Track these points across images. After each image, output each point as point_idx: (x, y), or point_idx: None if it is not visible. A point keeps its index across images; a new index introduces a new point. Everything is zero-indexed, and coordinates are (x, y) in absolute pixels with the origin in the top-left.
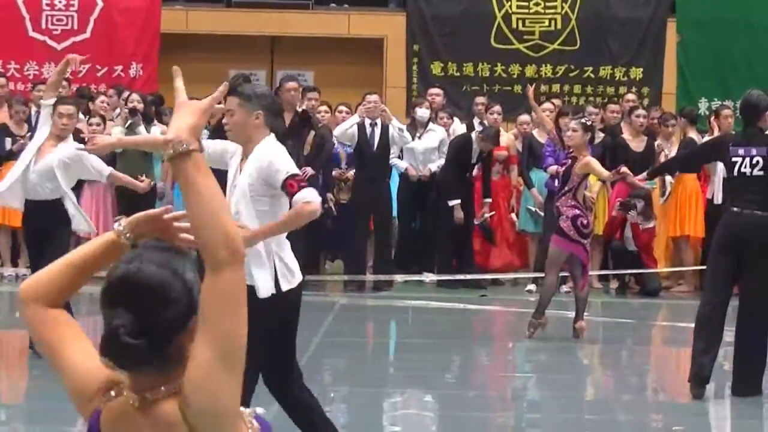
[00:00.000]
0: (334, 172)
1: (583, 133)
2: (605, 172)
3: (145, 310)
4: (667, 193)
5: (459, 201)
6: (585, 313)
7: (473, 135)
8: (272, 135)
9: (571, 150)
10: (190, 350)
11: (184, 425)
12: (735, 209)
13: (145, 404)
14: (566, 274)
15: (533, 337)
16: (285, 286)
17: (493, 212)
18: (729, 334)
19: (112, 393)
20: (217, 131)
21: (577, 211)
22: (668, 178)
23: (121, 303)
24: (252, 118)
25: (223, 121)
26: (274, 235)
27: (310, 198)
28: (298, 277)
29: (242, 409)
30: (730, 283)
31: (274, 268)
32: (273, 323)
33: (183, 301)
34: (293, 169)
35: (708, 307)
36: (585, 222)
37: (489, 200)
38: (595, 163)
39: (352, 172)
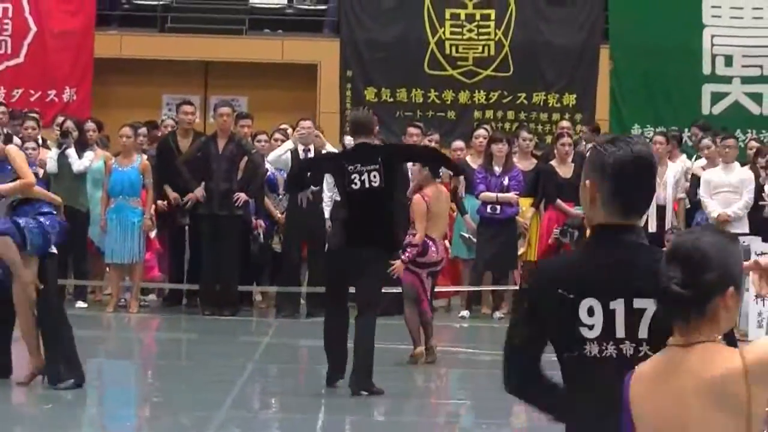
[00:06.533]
0: (276, 215)
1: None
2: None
3: (692, 269)
4: None
5: None
6: None
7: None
8: None
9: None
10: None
11: (743, 377)
12: None
13: (688, 344)
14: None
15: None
16: None
17: None
18: None
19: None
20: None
21: (410, 238)
22: None
23: (676, 261)
24: None
25: None
26: None
27: None
28: None
29: None
30: None
31: None
32: None
33: (721, 271)
34: None
35: None
36: (415, 252)
37: None
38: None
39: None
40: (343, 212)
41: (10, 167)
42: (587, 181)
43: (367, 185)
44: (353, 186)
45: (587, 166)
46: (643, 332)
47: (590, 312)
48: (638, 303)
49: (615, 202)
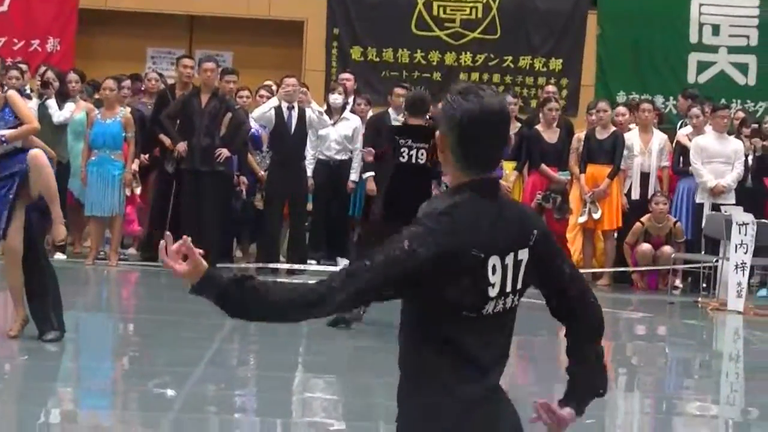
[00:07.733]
0: (259, 173)
1: None
2: None
3: None
4: (597, 216)
5: (373, 173)
6: None
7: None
8: None
9: None
10: None
11: None
12: None
13: None
14: None
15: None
16: None
17: None
18: None
19: None
20: (158, 108)
21: None
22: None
23: None
24: None
25: None
26: None
27: None
28: None
29: None
30: None
31: None
32: None
33: None
34: None
35: None
36: None
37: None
38: None
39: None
40: (387, 183)
41: (12, 116)
42: (437, 134)
43: (413, 161)
44: (401, 159)
45: (440, 117)
46: (520, 283)
47: (494, 270)
48: (521, 254)
49: (468, 156)
